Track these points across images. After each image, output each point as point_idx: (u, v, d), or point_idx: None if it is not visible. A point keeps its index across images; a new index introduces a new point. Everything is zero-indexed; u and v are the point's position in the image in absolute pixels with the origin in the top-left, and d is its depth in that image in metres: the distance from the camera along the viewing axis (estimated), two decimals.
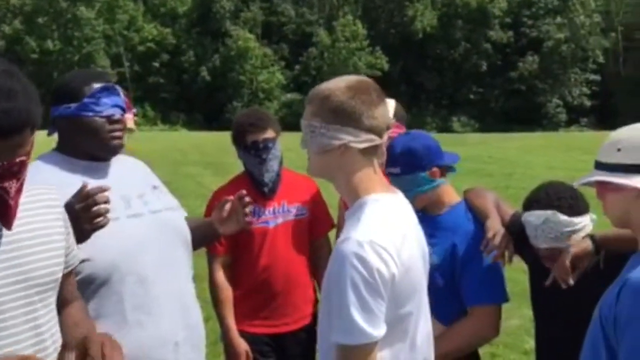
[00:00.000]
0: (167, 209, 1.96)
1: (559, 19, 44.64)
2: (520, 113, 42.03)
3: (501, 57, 45.59)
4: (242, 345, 2.51)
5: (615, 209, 1.53)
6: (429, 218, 2.11)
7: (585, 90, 44.05)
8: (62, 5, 43.99)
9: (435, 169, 2.09)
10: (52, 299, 1.47)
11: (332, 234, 2.72)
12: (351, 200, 1.52)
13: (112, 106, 1.83)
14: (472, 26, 45.42)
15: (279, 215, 2.56)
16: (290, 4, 48.68)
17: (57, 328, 1.48)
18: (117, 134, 1.85)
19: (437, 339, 2.03)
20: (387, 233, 1.42)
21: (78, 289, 1.68)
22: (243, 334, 2.54)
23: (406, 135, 2.18)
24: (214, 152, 19.25)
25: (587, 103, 43.63)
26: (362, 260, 1.37)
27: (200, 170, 14.90)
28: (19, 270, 1.38)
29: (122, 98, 1.88)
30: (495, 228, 2.02)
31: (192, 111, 44.07)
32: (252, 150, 2.52)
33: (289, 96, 44.30)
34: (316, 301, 2.68)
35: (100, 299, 1.76)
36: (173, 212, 1.97)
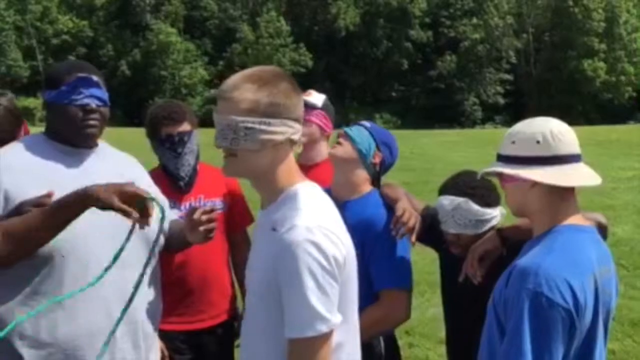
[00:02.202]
0: None
1: (474, 20, 46.40)
2: (439, 110, 43.39)
3: (421, 56, 46.89)
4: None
5: (512, 199, 1.62)
6: (342, 204, 2.14)
7: (499, 89, 46.02)
8: None
9: (378, 156, 2.22)
10: None
11: (250, 229, 2.71)
12: (275, 192, 1.49)
13: (88, 96, 1.88)
14: (393, 25, 46.43)
15: None
16: None
17: None
18: (91, 122, 1.89)
19: None
20: (329, 218, 1.43)
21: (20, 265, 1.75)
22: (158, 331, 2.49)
23: None
24: (133, 148, 18.60)
25: (501, 101, 45.62)
26: (317, 245, 1.34)
27: None
28: None
29: (102, 90, 1.92)
30: (405, 207, 2.11)
31: (111, 107, 42.32)
32: (167, 144, 2.46)
33: (212, 92, 43.65)
34: (234, 297, 2.65)
35: (40, 278, 1.78)
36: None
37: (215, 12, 47.72)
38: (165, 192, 2.31)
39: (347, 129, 2.26)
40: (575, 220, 1.58)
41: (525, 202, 1.59)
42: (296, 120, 1.48)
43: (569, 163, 1.55)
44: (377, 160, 2.23)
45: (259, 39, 44.50)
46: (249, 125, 1.43)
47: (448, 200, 2.08)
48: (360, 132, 2.23)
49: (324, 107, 2.69)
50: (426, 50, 47.14)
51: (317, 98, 2.70)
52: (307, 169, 2.54)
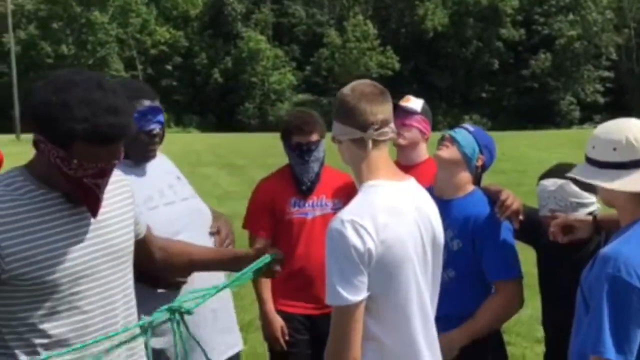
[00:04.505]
0: (193, 197, 2.25)
1: (571, 16, 44.43)
2: (533, 111, 41.87)
3: (513, 55, 45.45)
4: (279, 321, 2.77)
5: (601, 194, 1.78)
6: (448, 202, 2.30)
7: (598, 87, 43.81)
8: (76, 10, 44.48)
9: (481, 159, 2.36)
10: (131, 266, 1.73)
11: None
12: (359, 183, 1.79)
13: (154, 122, 2.11)
14: (483, 24, 45.31)
15: (317, 208, 2.81)
16: (300, 5, 48.81)
17: (132, 289, 1.74)
18: (153, 147, 2.15)
19: (469, 320, 2.25)
20: (369, 213, 1.66)
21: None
22: (279, 312, 2.80)
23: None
24: (228, 153, 19.32)
25: (601, 100, 43.38)
26: (341, 235, 1.63)
27: (215, 171, 15.02)
28: (108, 244, 1.63)
29: (162, 114, 2.16)
30: (509, 193, 2.26)
31: (205, 113, 44.35)
32: (297, 151, 2.76)
33: (300, 97, 44.39)
34: None
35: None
36: (196, 199, 2.26)
37: (303, 19, 48.52)
38: (290, 190, 2.73)
39: (452, 133, 2.37)
40: None
41: (610, 198, 1.73)
42: (358, 127, 1.74)
43: None
44: (480, 162, 2.36)
45: (345, 43, 44.77)
46: (333, 122, 1.81)
47: (550, 182, 2.18)
48: (465, 136, 2.34)
49: (422, 112, 2.86)
50: (518, 49, 45.65)
51: (416, 103, 2.86)
52: (408, 169, 2.71)
